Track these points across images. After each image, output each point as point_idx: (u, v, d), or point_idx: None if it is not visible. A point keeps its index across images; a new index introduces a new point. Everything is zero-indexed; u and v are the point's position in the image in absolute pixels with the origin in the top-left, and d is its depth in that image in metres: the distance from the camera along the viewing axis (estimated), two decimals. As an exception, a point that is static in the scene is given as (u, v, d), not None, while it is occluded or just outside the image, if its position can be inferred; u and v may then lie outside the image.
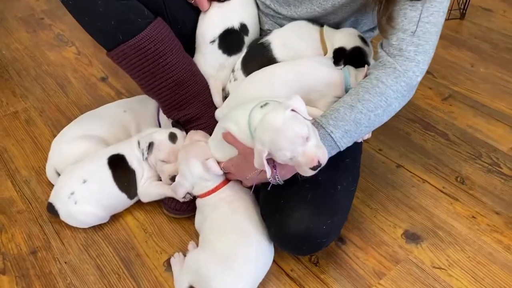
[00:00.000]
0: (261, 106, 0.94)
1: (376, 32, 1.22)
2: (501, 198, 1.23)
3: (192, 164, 1.06)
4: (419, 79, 0.96)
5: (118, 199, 1.16)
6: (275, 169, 0.94)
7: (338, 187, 1.00)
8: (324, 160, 0.87)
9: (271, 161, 0.93)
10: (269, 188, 0.96)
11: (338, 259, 1.10)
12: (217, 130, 1.07)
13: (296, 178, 0.95)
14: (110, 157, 1.16)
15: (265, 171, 0.91)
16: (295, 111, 0.89)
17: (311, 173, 0.88)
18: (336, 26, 1.15)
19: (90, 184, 1.13)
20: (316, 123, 0.95)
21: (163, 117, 1.32)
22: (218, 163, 1.06)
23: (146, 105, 1.35)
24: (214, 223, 1.03)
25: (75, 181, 1.14)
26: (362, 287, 1.04)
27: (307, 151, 0.86)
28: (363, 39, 1.11)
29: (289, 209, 0.96)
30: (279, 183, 0.96)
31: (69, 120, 1.48)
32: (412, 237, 1.14)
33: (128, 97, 1.58)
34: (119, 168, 1.16)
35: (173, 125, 1.22)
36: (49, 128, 1.49)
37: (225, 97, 1.22)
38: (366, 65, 1.07)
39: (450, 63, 1.74)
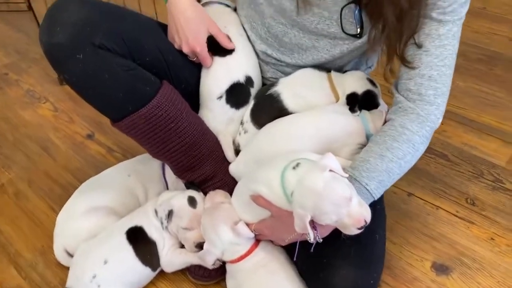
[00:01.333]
0: (293, 167, 0.92)
1: (373, 67, 1.24)
2: (512, 215, 1.28)
3: (220, 230, 1.02)
4: (440, 121, 0.98)
5: (143, 274, 1.10)
6: (315, 230, 0.92)
7: (376, 236, 1.00)
8: (369, 218, 0.87)
9: (311, 222, 0.91)
10: (311, 250, 0.94)
11: (378, 304, 1.09)
12: (242, 191, 1.04)
13: (334, 233, 0.94)
14: (128, 231, 1.10)
15: (305, 234, 0.89)
16: (332, 171, 0.88)
17: (356, 232, 0.87)
18: (340, 68, 1.15)
19: (112, 264, 1.06)
20: (349, 177, 0.94)
21: (170, 177, 1.27)
22: (248, 225, 1.03)
23: (150, 165, 1.29)
24: (254, 289, 1.00)
25: (95, 262, 1.06)
26: (408, 330, 1.04)
27: (352, 213, 0.85)
28: (371, 81, 1.12)
29: (334, 267, 0.95)
30: (319, 241, 0.94)
31: (63, 187, 1.41)
32: (441, 268, 1.16)
33: (122, 154, 1.52)
34: (139, 241, 1.10)
35: (187, 187, 1.17)
36: (43, 199, 1.39)
37: (235, 150, 1.19)
38: (382, 109, 1.08)
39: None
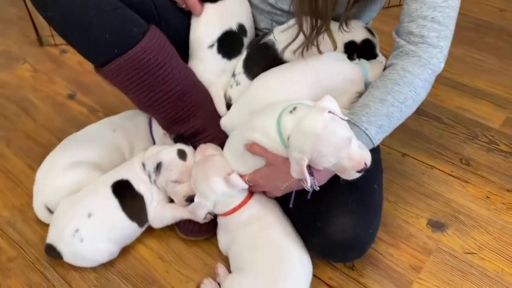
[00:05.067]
0: (290, 111, 0.88)
1: (370, 24, 1.20)
2: (508, 175, 1.26)
3: (213, 181, 0.97)
4: (443, 65, 0.94)
5: (129, 229, 1.05)
6: (312, 176, 0.88)
7: (375, 186, 0.97)
8: (369, 161, 0.83)
9: (308, 168, 0.87)
10: (308, 197, 0.90)
11: (373, 259, 1.06)
12: (236, 141, 0.99)
13: (332, 182, 0.90)
14: (113, 184, 1.04)
15: (301, 180, 0.85)
16: (332, 112, 0.83)
17: (356, 176, 0.84)
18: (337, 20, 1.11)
19: (97, 217, 1.01)
20: (348, 121, 0.90)
21: (157, 133, 1.21)
22: (241, 176, 0.98)
23: (136, 121, 1.23)
24: (248, 242, 0.95)
25: (78, 216, 1.01)
26: (404, 285, 1.02)
27: (352, 154, 0.81)
28: (370, 31, 1.08)
29: (332, 216, 0.91)
30: (316, 189, 0.90)
31: (43, 147, 1.34)
32: (437, 225, 1.14)
33: (106, 114, 1.45)
34: (126, 195, 1.04)
35: (175, 141, 1.12)
36: (21, 158, 1.32)
37: (227, 103, 1.14)
38: (379, 57, 1.04)
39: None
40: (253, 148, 0.93)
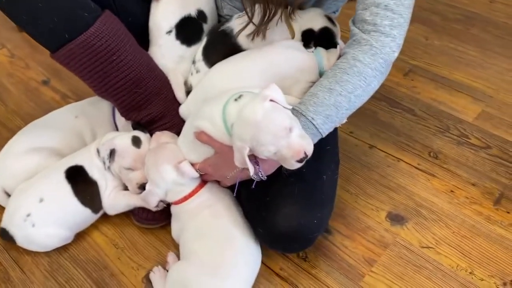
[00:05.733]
0: (236, 99, 0.87)
1: (337, 13, 1.18)
2: (475, 169, 1.24)
3: (163, 169, 0.97)
4: (396, 54, 0.92)
5: (82, 215, 1.05)
6: (257, 165, 0.87)
7: (324, 177, 0.95)
8: (310, 151, 0.82)
9: (253, 157, 0.86)
10: (253, 186, 0.89)
11: (327, 251, 1.05)
12: (188, 129, 0.99)
13: (279, 173, 0.89)
14: (67, 170, 1.04)
15: (247, 169, 0.84)
16: (274, 101, 0.82)
17: (297, 166, 0.82)
18: (298, 8, 1.09)
19: (48, 202, 1.01)
20: (295, 111, 0.88)
21: (120, 120, 1.20)
22: (193, 165, 0.97)
23: (100, 107, 1.23)
24: (196, 230, 0.95)
25: (30, 201, 1.01)
26: (355, 277, 1.01)
27: (291, 143, 0.80)
28: (330, 19, 1.05)
29: (276, 206, 0.90)
30: (263, 179, 0.89)
31: (12, 132, 1.34)
32: (396, 218, 1.12)
33: (77, 101, 1.44)
34: (79, 180, 1.04)
35: (134, 128, 1.11)
36: (-12, 142, 1.33)
37: (187, 91, 1.13)
38: (338, 46, 1.02)
39: (405, 38, 1.73)
40: (201, 136, 0.92)
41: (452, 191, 1.19)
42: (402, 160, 1.27)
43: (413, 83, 1.53)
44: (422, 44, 1.70)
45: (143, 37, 1.10)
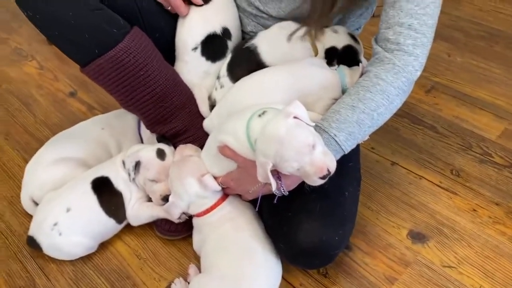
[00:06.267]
0: (259, 115, 0.88)
1: (360, 30, 1.19)
2: (498, 188, 1.22)
3: (187, 182, 0.99)
4: (419, 73, 0.93)
5: (107, 226, 1.07)
6: (280, 181, 0.88)
7: (346, 193, 0.96)
8: (333, 168, 0.82)
9: (275, 172, 0.87)
10: (275, 201, 0.90)
11: (347, 267, 1.05)
12: (211, 143, 1.01)
13: (302, 188, 0.90)
14: (93, 181, 1.07)
15: (269, 184, 0.85)
16: (297, 118, 0.83)
17: (320, 182, 0.83)
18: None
19: (75, 212, 1.04)
20: (317, 127, 0.89)
21: (145, 132, 1.23)
22: (215, 178, 0.99)
23: (125, 120, 1.26)
24: (217, 243, 0.96)
25: (57, 210, 1.04)
26: (376, 295, 1.00)
27: (315, 160, 0.81)
28: (353, 37, 1.07)
29: (298, 222, 0.91)
30: (285, 194, 0.90)
31: (40, 142, 1.38)
32: (417, 236, 1.12)
33: (102, 112, 1.49)
34: (105, 191, 1.07)
35: (159, 140, 1.14)
36: (18, 152, 1.37)
37: (211, 106, 1.15)
38: (360, 64, 1.03)
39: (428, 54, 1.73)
40: (224, 150, 0.94)
41: (474, 210, 1.17)
42: (424, 178, 1.26)
43: (436, 100, 1.52)
44: (445, 61, 1.69)
45: (169, 53, 1.13)
